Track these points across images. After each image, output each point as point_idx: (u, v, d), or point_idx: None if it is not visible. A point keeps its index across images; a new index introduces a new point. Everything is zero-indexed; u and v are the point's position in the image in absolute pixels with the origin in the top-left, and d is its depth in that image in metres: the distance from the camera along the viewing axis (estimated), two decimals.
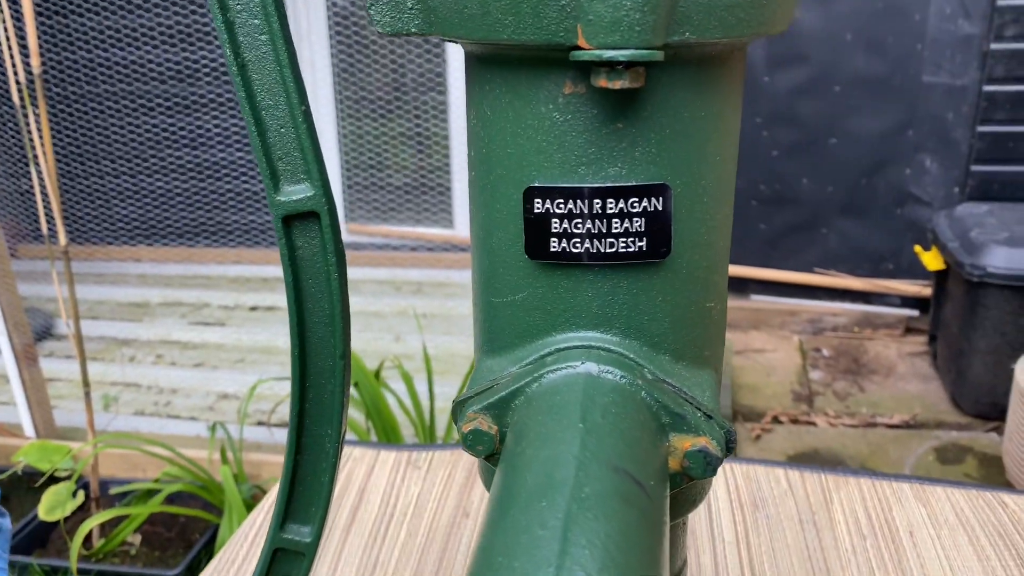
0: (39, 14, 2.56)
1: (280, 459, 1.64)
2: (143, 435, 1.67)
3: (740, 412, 2.14)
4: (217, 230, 2.92)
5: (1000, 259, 1.94)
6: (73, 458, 1.50)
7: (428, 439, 1.62)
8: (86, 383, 1.60)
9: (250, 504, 1.54)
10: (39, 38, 1.67)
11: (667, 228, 0.31)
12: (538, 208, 0.31)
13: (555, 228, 0.31)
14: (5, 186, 2.80)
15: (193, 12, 2.62)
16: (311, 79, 2.71)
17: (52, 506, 1.40)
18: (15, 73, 1.48)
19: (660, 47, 0.27)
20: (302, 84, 0.34)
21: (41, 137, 1.47)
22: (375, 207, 2.87)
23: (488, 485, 0.36)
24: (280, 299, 2.61)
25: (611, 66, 0.27)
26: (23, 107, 1.51)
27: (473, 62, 0.33)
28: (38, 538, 1.63)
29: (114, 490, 1.66)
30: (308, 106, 0.35)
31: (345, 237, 2.77)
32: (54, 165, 1.49)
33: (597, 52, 0.27)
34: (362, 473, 0.73)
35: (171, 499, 1.63)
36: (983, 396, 2.03)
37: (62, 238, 1.52)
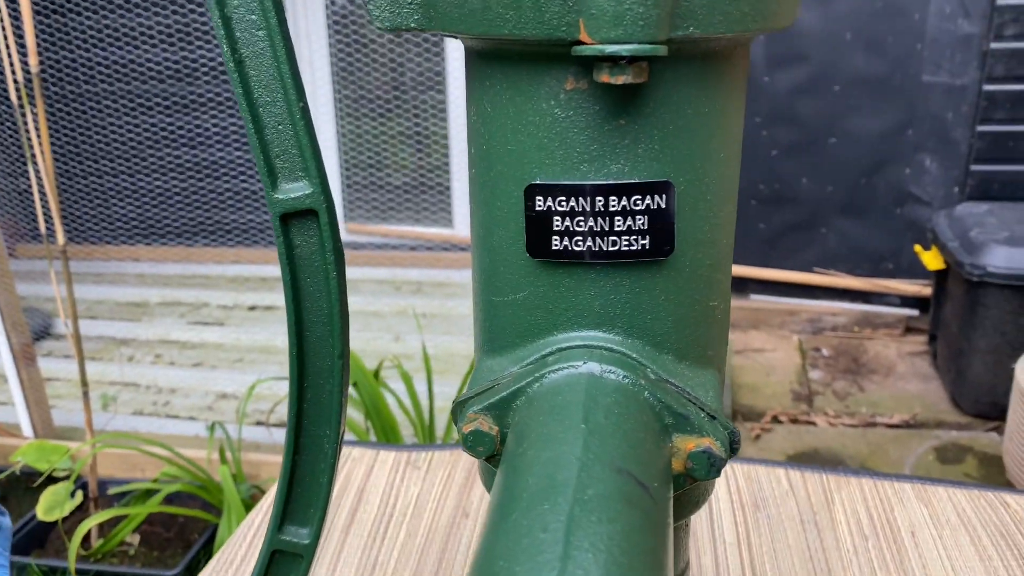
0: (37, 13, 2.56)
1: (279, 459, 1.64)
2: (142, 435, 1.67)
3: (740, 412, 2.14)
4: (216, 229, 2.92)
5: (1000, 258, 1.94)
6: (71, 458, 1.50)
7: (427, 439, 1.62)
8: (84, 383, 1.60)
9: (249, 504, 1.54)
10: (37, 37, 1.66)
11: (670, 226, 0.31)
12: (539, 206, 0.31)
13: (557, 226, 0.31)
14: (3, 185, 2.80)
15: (191, 11, 2.61)
16: (310, 78, 2.71)
17: (50, 506, 1.40)
18: (13, 72, 1.48)
19: (664, 42, 0.26)
20: (300, 80, 0.34)
21: (39, 136, 1.47)
22: (374, 206, 2.87)
23: (488, 487, 0.36)
24: (279, 299, 2.61)
25: (614, 61, 0.27)
26: (21, 106, 1.50)
27: (473, 58, 0.32)
28: (36, 538, 1.63)
29: (112, 490, 1.65)
30: (306, 102, 0.34)
31: (344, 236, 2.77)
32: (52, 164, 1.49)
33: (600, 47, 0.26)
34: (361, 473, 0.73)
35: (170, 499, 1.62)
36: (983, 396, 2.03)
37: (60, 237, 1.52)
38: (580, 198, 0.30)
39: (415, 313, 2.30)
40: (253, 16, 0.33)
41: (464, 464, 0.74)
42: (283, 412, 1.89)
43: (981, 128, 2.31)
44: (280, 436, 1.83)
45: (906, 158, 2.41)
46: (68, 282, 1.53)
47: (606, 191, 0.30)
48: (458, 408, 0.34)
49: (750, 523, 0.66)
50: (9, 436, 1.91)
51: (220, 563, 0.63)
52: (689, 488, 0.33)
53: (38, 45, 1.48)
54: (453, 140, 2.74)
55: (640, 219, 0.30)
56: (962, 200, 2.38)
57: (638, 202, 0.30)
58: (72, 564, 1.37)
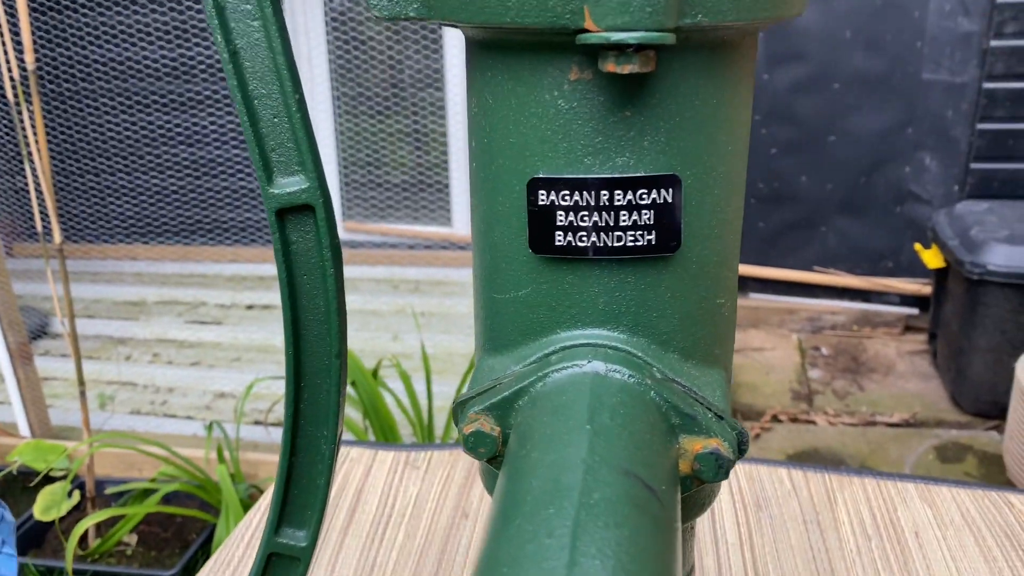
0: (33, 10, 2.55)
1: (277, 458, 1.63)
2: (139, 434, 1.66)
3: (739, 411, 2.13)
4: (213, 228, 2.91)
5: (1000, 257, 1.93)
6: (68, 457, 1.49)
7: (426, 439, 1.61)
8: (81, 382, 1.59)
9: (247, 504, 1.53)
10: (34, 34, 1.65)
11: (677, 221, 0.30)
12: (542, 200, 0.30)
13: (560, 221, 0.30)
14: (0, 184, 2.79)
15: (188, 9, 2.61)
16: (308, 76, 2.70)
17: (47, 506, 1.39)
18: (9, 70, 1.47)
19: (672, 30, 0.26)
20: (296, 72, 0.33)
21: (36, 134, 1.46)
22: (373, 205, 2.86)
23: (490, 489, 0.35)
24: (277, 297, 2.59)
25: (620, 49, 0.26)
26: (17, 104, 1.49)
27: (474, 48, 0.32)
28: (33, 538, 1.62)
29: (110, 490, 1.65)
30: (302, 95, 0.33)
31: (342, 235, 2.76)
32: (49, 162, 1.48)
33: (605, 35, 0.25)
34: (360, 473, 0.72)
35: (167, 499, 1.62)
36: (983, 394, 2.03)
37: (57, 236, 1.51)
38: (584, 192, 0.30)
39: (414, 312, 2.29)
40: (248, 6, 0.32)
41: (463, 464, 0.73)
42: (281, 411, 1.88)
43: (981, 126, 2.30)
44: (278, 435, 1.83)
45: (906, 156, 2.40)
46: (65, 281, 1.52)
47: (611, 185, 0.29)
48: (459, 408, 0.33)
49: (752, 523, 0.65)
50: (6, 435, 1.91)
51: (218, 563, 0.63)
52: (695, 490, 0.32)
53: (35, 42, 1.47)
54: (452, 138, 2.73)
55: (646, 214, 0.30)
56: (962, 198, 2.37)
57: (644, 196, 0.29)
58: (69, 564, 1.36)
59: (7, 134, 2.58)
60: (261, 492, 1.63)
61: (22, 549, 1.58)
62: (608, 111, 0.29)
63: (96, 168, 2.88)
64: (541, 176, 0.30)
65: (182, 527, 1.66)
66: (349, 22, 2.65)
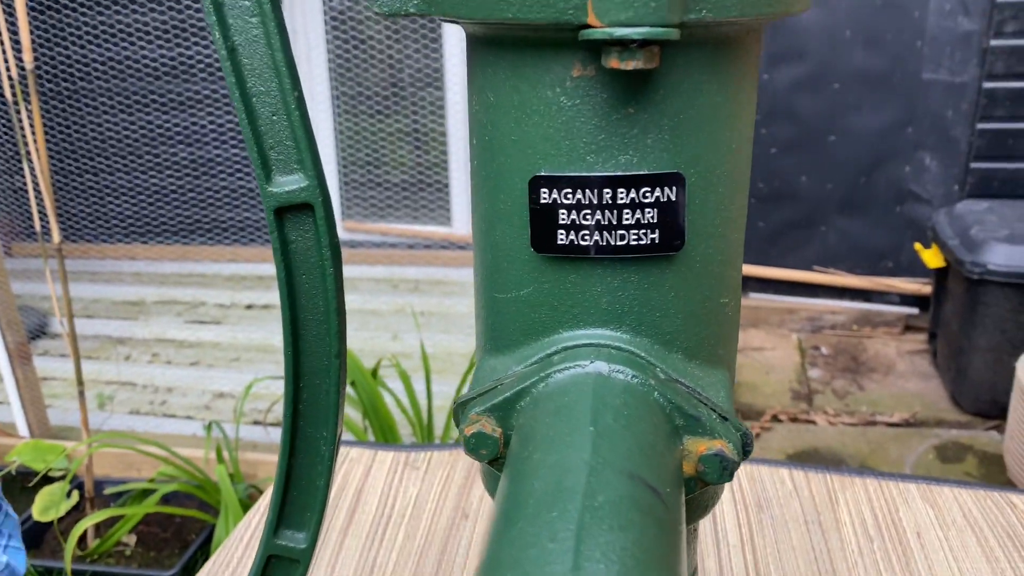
0: (32, 10, 2.54)
1: (276, 458, 1.63)
2: (138, 434, 1.66)
3: (739, 410, 2.13)
4: (213, 227, 2.91)
5: (1000, 256, 1.93)
6: (67, 458, 1.48)
7: (426, 439, 1.61)
8: (80, 382, 1.59)
9: (246, 504, 1.53)
10: (32, 34, 1.65)
11: (680, 219, 0.30)
12: (544, 198, 0.30)
13: (562, 219, 0.30)
14: None
15: (187, 8, 2.60)
16: (307, 75, 2.70)
17: (46, 506, 1.39)
18: (8, 69, 1.46)
19: (676, 25, 0.25)
20: (295, 69, 0.33)
21: (34, 134, 1.46)
22: (372, 204, 2.86)
23: (491, 491, 0.35)
24: (276, 297, 2.59)
25: (624, 45, 0.25)
26: (16, 103, 1.49)
27: (475, 44, 0.31)
28: (32, 539, 1.62)
29: (109, 490, 1.64)
30: (301, 92, 0.33)
31: (342, 234, 2.76)
32: (47, 162, 1.48)
33: (609, 30, 0.25)
34: (359, 473, 0.72)
35: (167, 499, 1.62)
36: (983, 394, 2.03)
37: (56, 236, 1.51)
38: (587, 190, 0.29)
39: (413, 312, 2.29)
40: (246, 2, 0.31)
41: (463, 464, 0.73)
42: (280, 411, 1.88)
43: (981, 126, 2.30)
44: (277, 435, 1.82)
45: (906, 156, 2.40)
46: (64, 280, 1.51)
47: (614, 183, 0.29)
48: (460, 409, 0.33)
49: (754, 524, 0.65)
50: (5, 436, 1.90)
51: (217, 564, 0.63)
52: (699, 492, 0.32)
53: (33, 42, 1.47)
54: (452, 137, 2.73)
55: (649, 212, 0.29)
56: (962, 198, 2.37)
57: (647, 194, 0.29)
58: (68, 565, 1.35)
59: (6, 134, 2.57)
60: (260, 492, 1.62)
61: None
62: (611, 108, 0.28)
63: (95, 168, 2.88)
64: (543, 174, 0.30)
65: (181, 527, 1.65)
66: (348, 21, 2.65)
